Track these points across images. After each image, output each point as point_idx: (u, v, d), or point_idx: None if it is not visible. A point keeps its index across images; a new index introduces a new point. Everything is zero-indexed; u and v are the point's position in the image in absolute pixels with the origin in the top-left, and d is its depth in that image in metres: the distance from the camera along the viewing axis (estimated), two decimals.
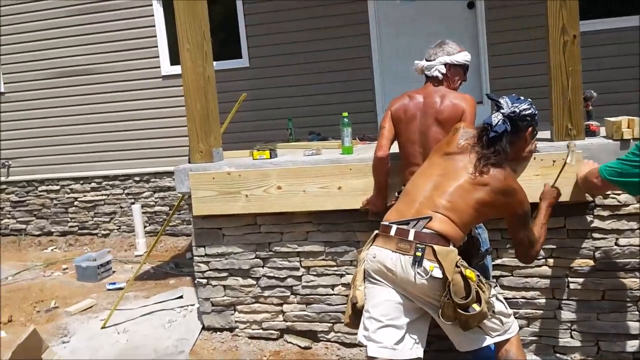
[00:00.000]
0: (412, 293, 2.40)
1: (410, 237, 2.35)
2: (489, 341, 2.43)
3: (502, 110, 2.48)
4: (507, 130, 2.44)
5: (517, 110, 2.47)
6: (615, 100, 4.86)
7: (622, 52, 5.31)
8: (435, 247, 2.30)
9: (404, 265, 2.34)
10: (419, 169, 2.67)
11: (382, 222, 2.51)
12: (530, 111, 2.50)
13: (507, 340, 2.44)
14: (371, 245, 2.51)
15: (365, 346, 2.45)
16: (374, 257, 2.45)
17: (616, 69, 5.28)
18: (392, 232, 2.41)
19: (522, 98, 2.53)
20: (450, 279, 2.25)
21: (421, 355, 2.45)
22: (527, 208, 2.48)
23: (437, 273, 2.28)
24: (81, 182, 7.04)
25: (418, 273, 2.30)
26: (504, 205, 2.43)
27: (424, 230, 2.35)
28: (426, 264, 2.29)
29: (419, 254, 2.30)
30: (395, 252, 2.37)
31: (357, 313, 2.54)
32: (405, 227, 2.39)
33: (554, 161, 3.01)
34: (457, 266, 2.29)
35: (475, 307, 2.25)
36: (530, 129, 2.57)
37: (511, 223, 2.52)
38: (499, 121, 2.45)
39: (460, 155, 2.48)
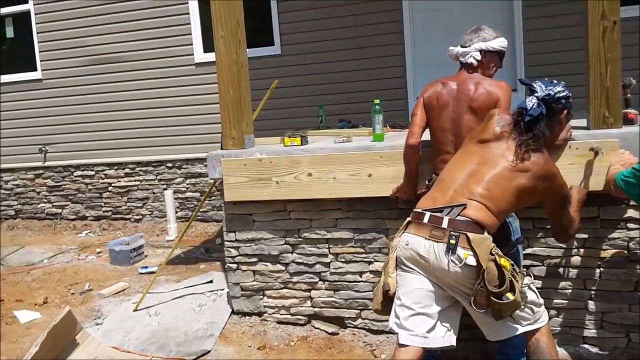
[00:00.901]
0: (444, 281, 2.39)
1: (444, 224, 2.34)
2: (519, 330, 2.42)
3: (536, 94, 2.46)
4: (543, 113, 2.42)
5: (552, 93, 2.45)
6: None
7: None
8: (470, 234, 2.29)
9: (437, 252, 2.33)
10: (454, 157, 2.65)
11: (415, 210, 2.50)
12: (564, 93, 2.48)
13: (537, 330, 2.43)
14: (404, 232, 2.50)
15: (397, 333, 2.45)
16: (406, 245, 2.44)
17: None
18: (426, 220, 2.40)
19: (555, 81, 2.51)
20: (485, 267, 2.24)
21: (454, 343, 2.45)
22: (566, 190, 2.51)
23: (471, 261, 2.27)
24: (115, 167, 7.19)
25: (452, 261, 2.29)
26: (544, 190, 2.42)
27: (458, 217, 2.34)
28: (460, 251, 2.28)
29: (452, 241, 2.29)
30: (429, 239, 2.36)
31: (388, 300, 2.54)
32: (439, 214, 2.38)
33: (591, 149, 2.95)
34: (491, 254, 2.27)
35: (509, 295, 2.23)
36: (565, 111, 2.54)
37: (550, 206, 2.53)
38: (533, 105, 2.43)
39: (497, 142, 2.46)
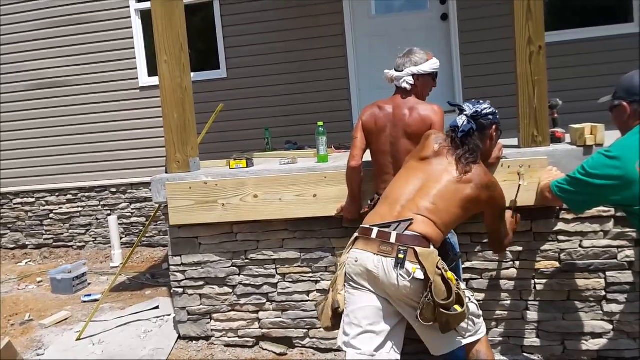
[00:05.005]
0: (393, 296, 2.42)
1: (392, 239, 2.38)
2: (462, 342, 2.47)
3: (465, 112, 2.61)
4: (474, 128, 2.57)
5: (479, 110, 2.61)
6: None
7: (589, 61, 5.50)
8: (417, 248, 2.34)
9: (386, 267, 2.37)
10: (398, 174, 2.72)
11: (362, 225, 2.54)
12: (491, 109, 2.64)
13: (477, 341, 2.51)
14: (352, 248, 2.53)
15: (345, 352, 2.48)
16: (355, 261, 2.47)
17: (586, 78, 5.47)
18: (374, 235, 2.44)
19: (481, 100, 2.67)
20: (432, 280, 2.28)
21: (398, 358, 2.48)
22: (504, 201, 2.64)
23: (419, 274, 2.31)
24: (57, 194, 6.99)
25: (400, 275, 2.33)
26: (487, 199, 2.54)
27: (406, 232, 2.39)
28: (408, 265, 2.33)
29: (401, 256, 2.34)
30: (377, 254, 2.40)
31: (337, 317, 2.56)
32: (386, 230, 2.42)
33: (520, 166, 3.11)
34: (438, 268, 2.32)
35: (457, 308, 2.29)
36: (494, 126, 2.68)
37: (491, 216, 2.65)
38: (464, 122, 2.57)
39: (437, 158, 2.56)
